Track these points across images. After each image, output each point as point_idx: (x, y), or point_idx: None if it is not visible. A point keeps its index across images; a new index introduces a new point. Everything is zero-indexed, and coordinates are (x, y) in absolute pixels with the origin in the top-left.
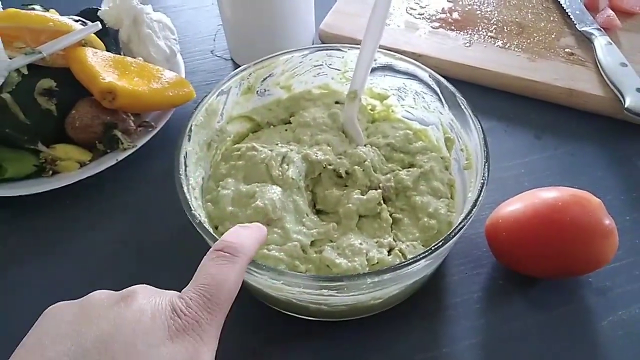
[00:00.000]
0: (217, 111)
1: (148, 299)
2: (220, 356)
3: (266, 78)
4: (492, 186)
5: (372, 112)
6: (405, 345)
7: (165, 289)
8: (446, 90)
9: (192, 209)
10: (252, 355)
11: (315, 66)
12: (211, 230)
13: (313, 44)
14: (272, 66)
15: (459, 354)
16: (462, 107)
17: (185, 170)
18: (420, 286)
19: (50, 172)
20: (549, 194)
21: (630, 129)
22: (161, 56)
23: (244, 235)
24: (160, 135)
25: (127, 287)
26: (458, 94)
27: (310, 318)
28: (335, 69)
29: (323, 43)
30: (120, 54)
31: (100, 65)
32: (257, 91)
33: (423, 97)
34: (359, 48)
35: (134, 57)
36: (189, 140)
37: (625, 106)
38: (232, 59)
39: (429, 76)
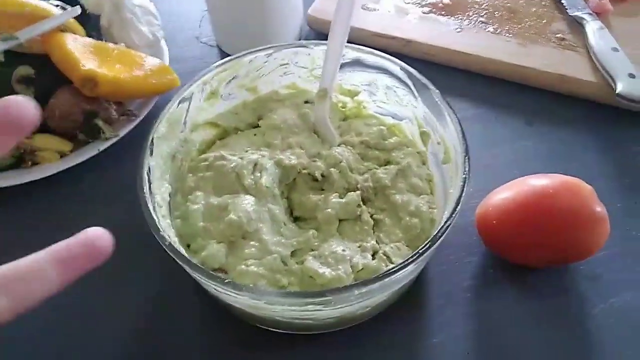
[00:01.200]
0: (180, 120)
1: None
2: None
3: (230, 80)
4: (482, 173)
5: (343, 110)
6: (395, 335)
7: (152, 282)
8: (419, 82)
9: (161, 230)
10: None
11: (281, 65)
12: (183, 251)
13: (301, 30)
14: (236, 67)
15: (450, 343)
16: (437, 99)
17: (150, 187)
18: (408, 288)
19: (30, 163)
20: (539, 181)
21: (621, 114)
22: (144, 42)
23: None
24: (143, 124)
25: (111, 278)
26: (431, 86)
27: (296, 332)
28: (303, 67)
29: (312, 29)
30: (101, 40)
31: (80, 52)
32: (222, 95)
33: (395, 91)
34: (325, 44)
35: (116, 43)
36: (152, 154)
37: (617, 92)
38: (218, 46)
39: (400, 69)
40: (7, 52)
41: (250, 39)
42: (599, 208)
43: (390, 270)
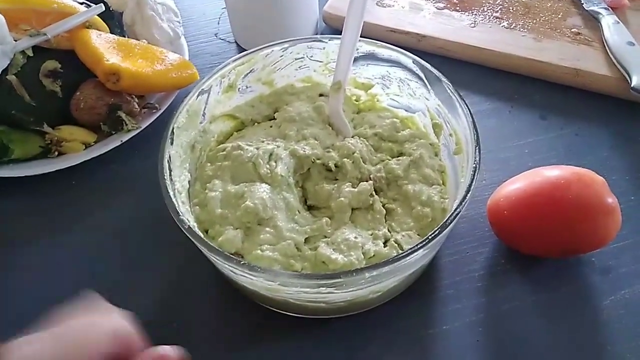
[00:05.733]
0: (199, 111)
1: None
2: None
3: (247, 74)
4: (495, 166)
5: (357, 103)
6: (406, 322)
7: (170, 267)
8: (431, 75)
9: (180, 214)
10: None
11: (296, 59)
12: (201, 235)
13: (317, 26)
14: (253, 62)
15: (460, 331)
16: (449, 91)
17: (170, 175)
18: (418, 275)
19: (56, 153)
20: (551, 172)
21: (636, 109)
22: (165, 38)
23: None
24: (164, 117)
25: (131, 264)
26: (444, 79)
27: (308, 316)
28: (317, 61)
29: (327, 25)
30: (124, 37)
31: (104, 47)
32: (239, 88)
33: (408, 84)
34: (340, 38)
35: (138, 40)
36: (172, 143)
37: (632, 86)
38: (235, 42)
39: (413, 62)
40: (35, 48)
41: (268, 35)
42: (611, 199)
43: (401, 255)
